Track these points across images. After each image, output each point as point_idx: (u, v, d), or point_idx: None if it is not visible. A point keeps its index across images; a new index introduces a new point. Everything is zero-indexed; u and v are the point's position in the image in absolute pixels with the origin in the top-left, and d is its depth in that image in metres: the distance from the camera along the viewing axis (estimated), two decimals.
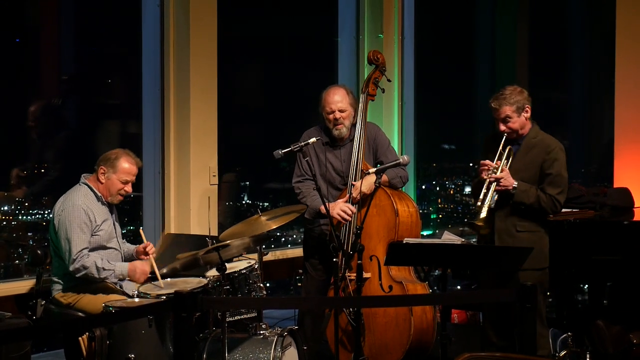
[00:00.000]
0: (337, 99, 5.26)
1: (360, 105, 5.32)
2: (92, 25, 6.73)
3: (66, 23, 6.74)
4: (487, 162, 4.82)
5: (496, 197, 4.82)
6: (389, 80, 5.48)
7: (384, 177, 5.06)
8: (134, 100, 6.40)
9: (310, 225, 5.38)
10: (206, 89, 6.21)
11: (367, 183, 5.06)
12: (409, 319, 5.03)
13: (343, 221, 5.10)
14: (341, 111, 5.25)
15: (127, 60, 6.69)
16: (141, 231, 5.17)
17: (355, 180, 5.17)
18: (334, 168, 5.34)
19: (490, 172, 4.80)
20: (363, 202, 5.08)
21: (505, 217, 4.88)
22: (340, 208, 5.10)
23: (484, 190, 4.78)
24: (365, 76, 5.52)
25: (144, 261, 5.00)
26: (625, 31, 6.74)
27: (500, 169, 4.80)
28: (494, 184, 4.79)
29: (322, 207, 5.09)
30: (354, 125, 5.31)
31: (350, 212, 5.08)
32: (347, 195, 5.17)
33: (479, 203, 4.76)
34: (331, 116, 5.26)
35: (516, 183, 4.80)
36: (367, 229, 5.08)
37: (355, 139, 5.24)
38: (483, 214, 4.75)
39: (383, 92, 5.50)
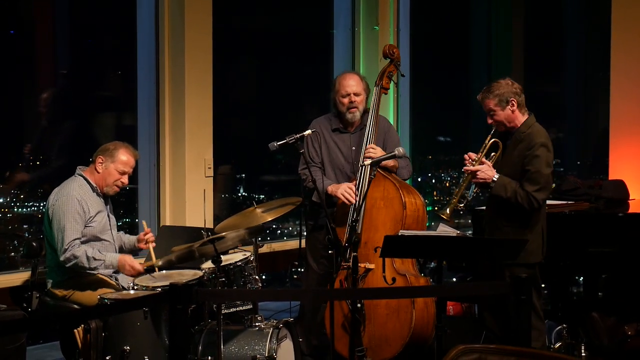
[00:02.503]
0: (353, 83, 5.36)
1: (373, 97, 5.40)
2: (87, 17, 6.72)
3: (61, 15, 6.72)
4: (471, 154, 4.84)
5: (475, 189, 4.83)
6: (402, 75, 5.58)
7: (394, 163, 5.19)
8: (129, 92, 6.39)
9: (316, 216, 5.38)
10: (201, 81, 6.20)
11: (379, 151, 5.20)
12: (411, 312, 5.02)
13: (347, 202, 5.11)
14: (356, 95, 5.34)
15: (122, 52, 6.68)
16: (144, 223, 5.17)
17: (362, 174, 5.16)
18: (342, 154, 5.38)
19: (469, 164, 4.82)
20: (361, 193, 5.10)
21: (495, 211, 4.89)
22: (344, 189, 5.15)
23: (460, 182, 4.81)
24: (372, 69, 5.60)
25: (135, 259, 4.99)
26: (620, 24, 6.74)
27: (479, 161, 4.81)
28: (470, 176, 4.81)
29: (329, 188, 5.18)
30: (364, 112, 5.39)
31: (353, 193, 5.09)
32: (355, 181, 5.19)
33: (454, 197, 4.78)
34: (346, 99, 5.33)
35: (497, 176, 4.77)
36: (373, 220, 5.11)
37: (367, 129, 5.28)
38: (449, 210, 4.77)
39: (396, 86, 5.56)
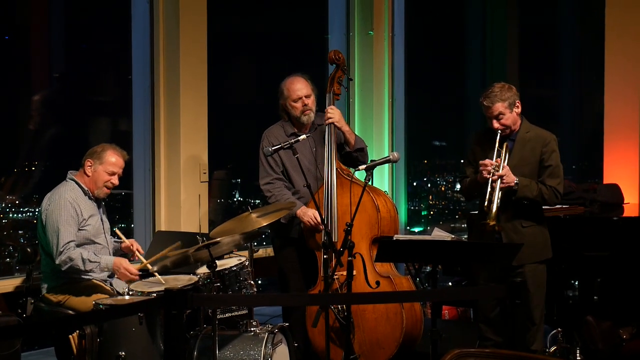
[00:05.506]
0: (301, 86, 5.38)
1: (327, 104, 5.41)
2: (82, 22, 6.72)
3: (56, 20, 6.72)
4: (487, 161, 4.81)
5: (500, 194, 4.80)
6: (350, 79, 5.58)
7: (350, 136, 5.37)
8: (124, 97, 6.39)
9: (287, 228, 5.36)
10: (196, 85, 6.20)
11: (338, 113, 5.33)
12: (401, 312, 5.02)
13: (309, 226, 5.13)
14: (307, 97, 5.37)
15: (117, 57, 6.68)
16: (117, 231, 5.15)
17: (330, 180, 5.17)
18: (306, 158, 5.36)
19: (491, 171, 4.78)
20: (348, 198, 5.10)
21: (510, 214, 4.88)
22: (313, 214, 5.13)
23: (489, 190, 4.75)
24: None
25: (130, 261, 4.99)
26: (614, 27, 6.76)
27: (501, 166, 4.79)
28: (498, 182, 4.77)
29: (298, 212, 5.19)
30: (316, 112, 5.45)
31: (319, 221, 5.10)
32: (322, 188, 5.20)
33: (486, 204, 4.74)
34: (299, 103, 5.35)
35: (517, 179, 4.81)
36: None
37: (327, 139, 5.27)
38: (493, 213, 4.73)
39: (347, 91, 5.59)
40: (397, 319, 5.03)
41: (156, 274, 4.83)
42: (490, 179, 4.76)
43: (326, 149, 5.25)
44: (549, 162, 4.89)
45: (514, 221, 4.89)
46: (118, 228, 5.21)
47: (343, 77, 5.49)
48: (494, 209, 4.73)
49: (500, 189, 4.77)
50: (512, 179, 4.79)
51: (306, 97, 5.35)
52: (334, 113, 5.29)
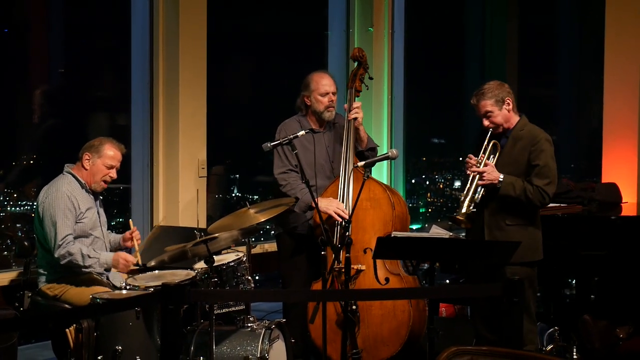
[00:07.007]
0: (330, 82, 5.40)
1: (348, 100, 5.38)
2: (81, 17, 6.71)
3: (56, 15, 6.72)
4: (471, 157, 4.84)
5: (482, 191, 4.82)
6: (370, 78, 5.59)
7: (364, 135, 5.35)
8: (123, 92, 6.38)
9: (295, 224, 5.36)
10: (195, 81, 6.20)
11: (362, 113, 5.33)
12: (408, 310, 5.00)
13: (339, 219, 5.06)
14: (334, 94, 5.39)
15: (117, 52, 6.67)
16: (130, 222, 5.17)
17: (346, 176, 5.16)
18: (320, 155, 5.36)
19: (474, 166, 4.81)
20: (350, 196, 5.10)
21: (495, 211, 4.88)
22: (337, 206, 5.07)
23: (468, 185, 4.80)
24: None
25: (129, 254, 4.99)
26: (614, 27, 6.77)
27: (483, 162, 4.80)
28: (477, 178, 4.80)
29: (321, 206, 5.13)
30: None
31: (345, 212, 5.07)
32: (338, 182, 5.18)
33: (462, 198, 4.78)
34: (326, 98, 5.36)
35: (502, 176, 4.78)
36: (361, 222, 5.08)
37: (345, 134, 5.26)
38: (464, 209, 4.77)
39: (367, 88, 5.59)
40: (405, 316, 5.01)
41: (140, 264, 4.84)
42: (471, 174, 4.79)
43: (344, 144, 5.24)
44: (537, 161, 4.83)
45: (497, 218, 4.88)
46: (117, 222, 5.21)
47: (365, 74, 5.49)
48: (466, 203, 4.76)
49: (479, 185, 4.79)
50: (494, 176, 4.78)
51: (333, 93, 5.38)
52: (360, 112, 5.29)
